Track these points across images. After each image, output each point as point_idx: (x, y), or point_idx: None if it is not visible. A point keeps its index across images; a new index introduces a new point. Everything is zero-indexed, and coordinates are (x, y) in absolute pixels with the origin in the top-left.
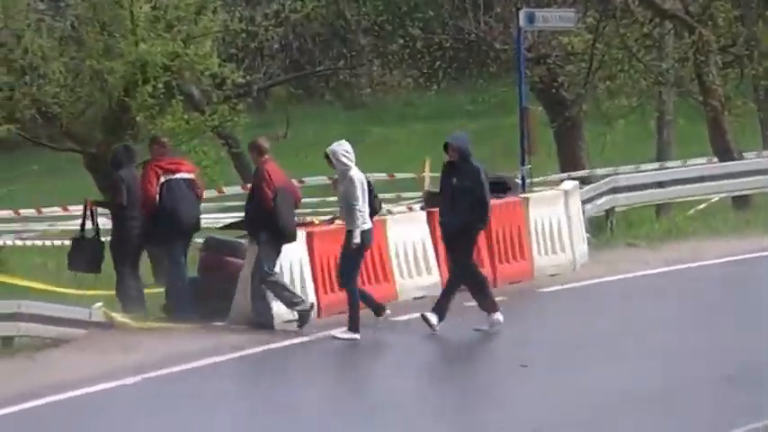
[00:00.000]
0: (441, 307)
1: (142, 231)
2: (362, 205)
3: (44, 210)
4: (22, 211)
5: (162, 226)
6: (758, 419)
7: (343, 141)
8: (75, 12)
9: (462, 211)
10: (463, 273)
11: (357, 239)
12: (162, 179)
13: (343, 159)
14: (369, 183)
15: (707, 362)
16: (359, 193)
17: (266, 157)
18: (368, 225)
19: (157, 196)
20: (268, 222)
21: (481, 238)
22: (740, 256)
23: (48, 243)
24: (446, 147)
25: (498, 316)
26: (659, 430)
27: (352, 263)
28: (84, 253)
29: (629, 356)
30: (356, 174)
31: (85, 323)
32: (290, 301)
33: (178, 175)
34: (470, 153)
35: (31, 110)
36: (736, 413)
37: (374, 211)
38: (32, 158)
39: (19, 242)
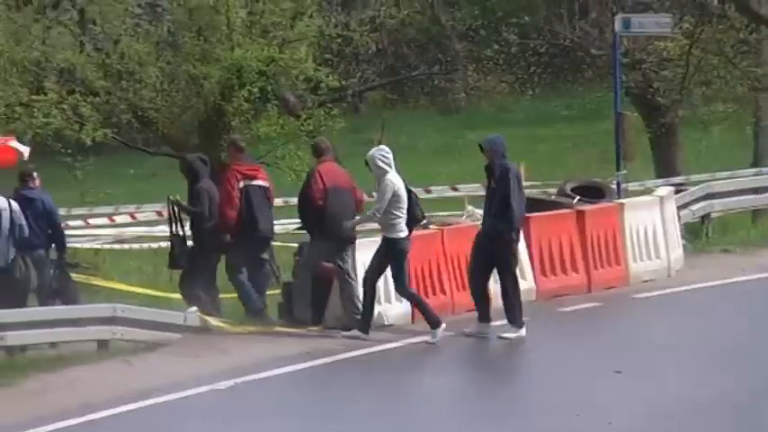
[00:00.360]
0: (513, 316)
1: (219, 240)
2: (397, 212)
3: (138, 215)
4: (116, 218)
5: (240, 229)
6: None
7: (383, 146)
8: (171, 17)
9: (497, 216)
10: (513, 280)
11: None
12: (241, 184)
13: (380, 163)
14: (409, 191)
15: None
16: (386, 198)
17: (323, 158)
18: (404, 233)
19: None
20: (317, 223)
21: (576, 244)
22: None
23: (144, 246)
24: (481, 149)
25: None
26: None
27: (399, 269)
28: (183, 251)
29: (722, 364)
30: (393, 179)
31: (181, 327)
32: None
33: (255, 182)
34: (504, 155)
35: (127, 114)
36: None
37: (415, 219)
38: (129, 163)
39: (117, 246)
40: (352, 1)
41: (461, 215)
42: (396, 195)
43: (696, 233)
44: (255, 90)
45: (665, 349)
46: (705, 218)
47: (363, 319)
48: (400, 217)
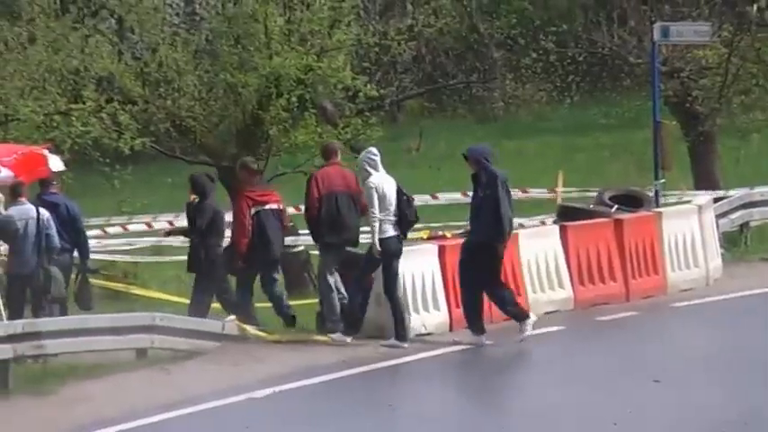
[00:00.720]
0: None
1: (229, 258)
2: (381, 214)
3: (176, 223)
4: (155, 224)
5: (253, 254)
6: None
7: (371, 148)
8: (209, 25)
9: (485, 224)
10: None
11: (378, 248)
12: (252, 210)
13: (365, 166)
14: (399, 190)
15: None
16: (374, 201)
17: (328, 161)
18: (390, 233)
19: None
20: (316, 227)
21: (614, 253)
22: None
23: (183, 256)
24: (465, 159)
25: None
26: None
27: (386, 269)
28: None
29: (757, 377)
30: (375, 180)
31: (218, 336)
32: (332, 312)
33: (267, 207)
34: (489, 162)
35: (165, 123)
36: None
37: (407, 221)
38: (166, 172)
39: (156, 256)
40: (389, 10)
41: None
42: (380, 196)
43: (735, 242)
44: (293, 99)
45: (703, 359)
46: (744, 226)
47: (397, 328)
48: (386, 219)
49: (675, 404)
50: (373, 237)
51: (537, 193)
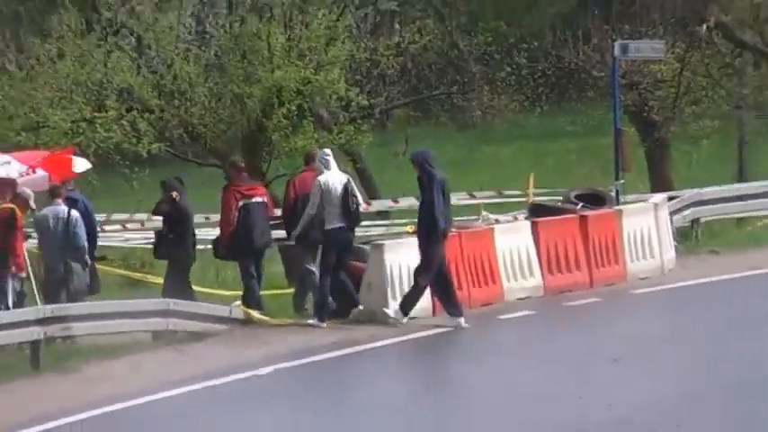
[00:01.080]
0: (408, 303)
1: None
2: (328, 207)
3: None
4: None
5: (239, 243)
6: None
7: (325, 149)
8: (218, 42)
9: (423, 221)
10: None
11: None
12: (240, 203)
13: (319, 165)
14: (346, 187)
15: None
16: (316, 197)
17: (305, 167)
18: (335, 224)
19: (235, 218)
20: (292, 225)
21: (579, 245)
22: None
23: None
24: (412, 162)
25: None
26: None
27: (324, 256)
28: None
29: (713, 355)
30: (323, 178)
31: (226, 319)
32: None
33: (254, 200)
34: (431, 166)
35: (179, 129)
36: None
37: (350, 213)
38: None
39: None
40: (379, 28)
41: (477, 219)
42: (325, 192)
43: (686, 236)
44: (293, 108)
45: (660, 341)
46: (694, 222)
47: (319, 307)
48: (332, 211)
49: (634, 382)
50: (297, 228)
51: (510, 192)
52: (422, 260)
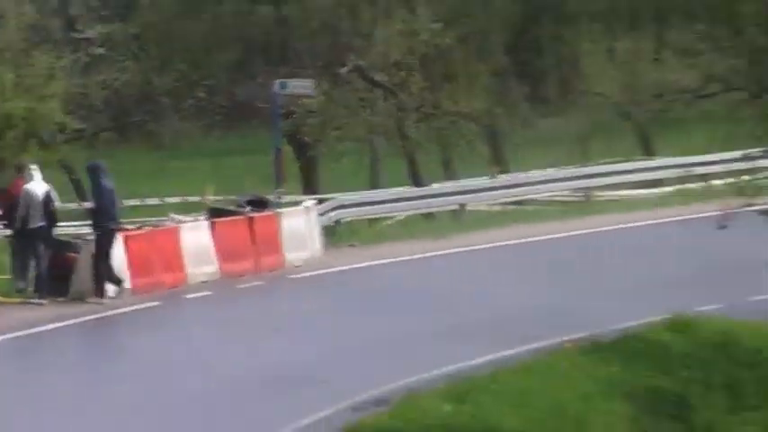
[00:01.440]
0: (111, 278)
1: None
2: (32, 211)
3: None
4: None
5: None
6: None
7: (33, 164)
8: None
9: (97, 219)
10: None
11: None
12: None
13: (27, 176)
14: (48, 195)
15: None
16: (23, 203)
17: (17, 175)
18: (37, 224)
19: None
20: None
21: (248, 239)
22: (429, 254)
23: None
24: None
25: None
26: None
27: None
28: None
29: (347, 323)
30: (29, 187)
31: None
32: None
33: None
34: (98, 175)
35: None
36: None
37: (50, 215)
38: None
39: None
40: (89, 68)
41: (167, 220)
42: (30, 198)
43: (331, 233)
44: (20, 131)
45: (310, 313)
46: (337, 222)
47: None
48: (35, 214)
49: (290, 345)
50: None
51: (193, 199)
52: (97, 250)
